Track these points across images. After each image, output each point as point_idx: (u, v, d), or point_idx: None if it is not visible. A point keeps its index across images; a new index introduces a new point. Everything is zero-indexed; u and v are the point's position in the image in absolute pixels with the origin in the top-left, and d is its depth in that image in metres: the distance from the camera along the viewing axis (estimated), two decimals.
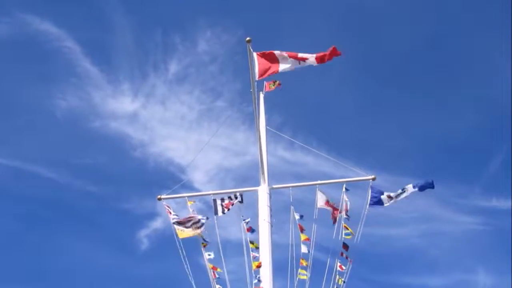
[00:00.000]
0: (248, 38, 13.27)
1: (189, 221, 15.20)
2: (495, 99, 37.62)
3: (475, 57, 39.67)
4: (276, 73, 13.62)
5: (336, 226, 15.11)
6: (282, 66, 13.52)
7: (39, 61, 39.23)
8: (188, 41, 39.93)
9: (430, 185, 15.10)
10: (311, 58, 13.54)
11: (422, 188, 15.07)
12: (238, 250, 14.98)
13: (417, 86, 41.29)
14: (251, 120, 16.00)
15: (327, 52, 13.43)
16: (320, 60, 13.51)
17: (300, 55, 13.63)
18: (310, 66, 13.66)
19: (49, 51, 37.83)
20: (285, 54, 13.54)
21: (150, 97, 38.57)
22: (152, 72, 39.06)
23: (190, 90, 39.16)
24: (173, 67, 38.67)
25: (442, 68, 40.69)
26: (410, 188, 15.09)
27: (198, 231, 15.13)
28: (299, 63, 13.61)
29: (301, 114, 35.56)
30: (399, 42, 41.16)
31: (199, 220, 15.20)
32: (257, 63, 13.28)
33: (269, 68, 13.39)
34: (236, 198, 15.67)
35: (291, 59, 13.54)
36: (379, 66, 41.57)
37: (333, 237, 14.99)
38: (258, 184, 15.68)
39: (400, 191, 15.17)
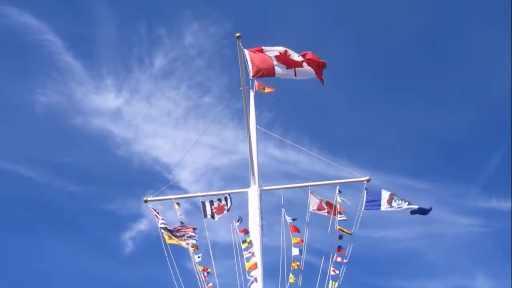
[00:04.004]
0: (237, 34, 13.25)
1: (178, 231, 15.36)
2: (494, 96, 38.00)
3: (474, 53, 40.04)
4: (272, 76, 13.77)
5: (330, 225, 15.32)
6: (278, 71, 13.69)
7: (18, 55, 39.15)
8: (174, 34, 40.01)
9: (425, 213, 15.27)
10: (305, 67, 13.84)
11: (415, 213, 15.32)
12: (227, 253, 15.10)
13: (413, 82, 41.64)
14: (240, 116, 16.11)
15: (316, 64, 13.93)
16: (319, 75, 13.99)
17: (293, 58, 13.85)
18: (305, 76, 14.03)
19: (28, 44, 37.73)
20: (277, 61, 13.67)
21: (135, 92, 38.62)
22: (136, 66, 39.11)
23: (177, 85, 39.25)
24: (159, 61, 38.73)
25: (440, 64, 41.00)
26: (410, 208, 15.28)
27: (186, 242, 15.28)
28: (295, 75, 13.85)
29: (292, 110, 35.68)
30: (394, 37, 41.49)
31: (190, 236, 15.33)
32: (250, 60, 13.34)
33: (263, 68, 13.47)
34: (226, 201, 15.77)
35: (286, 68, 13.72)
36: (374, 61, 41.88)
37: (328, 229, 15.28)
38: (248, 185, 15.76)
39: (404, 204, 15.33)
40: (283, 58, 13.77)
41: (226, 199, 15.72)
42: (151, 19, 40.17)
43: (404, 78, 41.92)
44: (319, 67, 14.08)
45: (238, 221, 15.20)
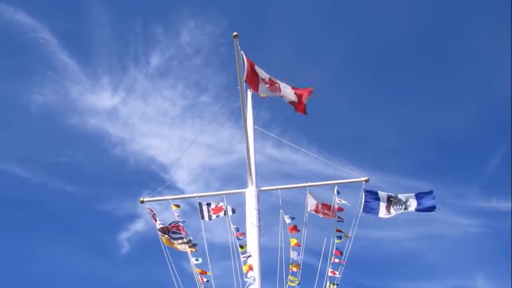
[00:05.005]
0: (235, 33, 13.28)
1: (174, 233, 15.45)
2: (494, 95, 38.05)
3: (473, 52, 40.04)
4: (256, 92, 14.41)
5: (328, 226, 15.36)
6: (262, 92, 14.41)
7: (13, 54, 39.05)
8: (170, 32, 39.97)
9: (432, 209, 15.33)
10: (289, 95, 14.58)
11: (422, 211, 15.33)
12: (224, 254, 15.12)
13: (413, 82, 41.61)
14: (238, 115, 16.13)
15: (303, 98, 14.71)
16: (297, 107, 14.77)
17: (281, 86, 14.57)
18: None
19: (24, 43, 37.70)
20: (266, 81, 14.20)
21: (131, 91, 38.59)
22: (132, 65, 39.04)
23: (173, 84, 39.23)
24: (155, 60, 38.69)
25: (439, 63, 41.02)
26: (412, 208, 15.30)
27: (182, 247, 15.36)
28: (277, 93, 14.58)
29: (290, 109, 35.52)
30: (394, 35, 41.44)
31: (188, 240, 15.46)
32: (246, 64, 13.42)
33: (255, 78, 13.76)
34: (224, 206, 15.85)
35: (270, 89, 14.36)
36: (373, 61, 41.85)
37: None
38: (245, 185, 15.76)
39: (402, 207, 15.34)
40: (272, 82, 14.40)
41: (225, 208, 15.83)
42: (147, 17, 40.15)
43: (404, 78, 41.97)
44: (302, 97, 14.81)
45: (236, 229, 15.27)
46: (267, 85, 14.25)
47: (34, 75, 38.29)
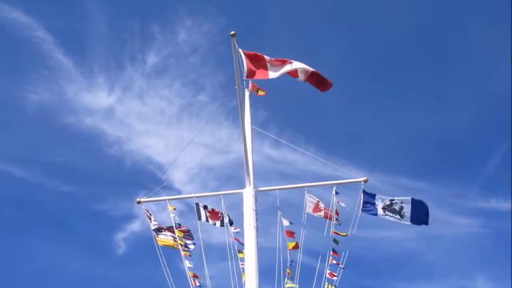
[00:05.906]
0: (232, 32, 13.21)
1: (170, 230, 15.47)
2: (494, 95, 38.03)
3: (473, 51, 40.08)
4: (266, 78, 13.66)
5: (326, 228, 15.32)
6: (272, 74, 13.57)
7: (8, 52, 39.08)
8: (167, 31, 39.94)
9: (425, 223, 15.42)
10: (301, 74, 13.88)
11: (416, 223, 15.39)
12: (222, 255, 15.11)
13: (412, 80, 41.60)
14: (235, 115, 16.08)
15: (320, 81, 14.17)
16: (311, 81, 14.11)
17: (293, 66, 13.79)
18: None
19: (19, 41, 37.72)
20: (274, 61, 13.67)
21: (127, 90, 38.57)
22: (129, 64, 39.02)
23: (170, 83, 39.21)
24: (152, 59, 38.67)
25: (439, 62, 41.02)
26: (406, 219, 15.35)
27: (176, 243, 15.37)
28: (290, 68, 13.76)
29: (288, 108, 35.65)
30: (393, 34, 41.41)
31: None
32: (245, 61, 13.30)
33: (258, 70, 13.44)
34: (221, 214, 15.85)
35: (279, 66, 13.65)
36: (373, 60, 41.82)
37: (325, 233, 15.28)
38: (242, 186, 15.63)
39: (397, 214, 15.32)
40: (277, 62, 13.75)
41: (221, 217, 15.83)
42: (144, 15, 40.11)
43: (404, 78, 41.98)
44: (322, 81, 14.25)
45: (234, 229, 15.25)
46: (276, 63, 13.66)
47: (30, 74, 38.38)
